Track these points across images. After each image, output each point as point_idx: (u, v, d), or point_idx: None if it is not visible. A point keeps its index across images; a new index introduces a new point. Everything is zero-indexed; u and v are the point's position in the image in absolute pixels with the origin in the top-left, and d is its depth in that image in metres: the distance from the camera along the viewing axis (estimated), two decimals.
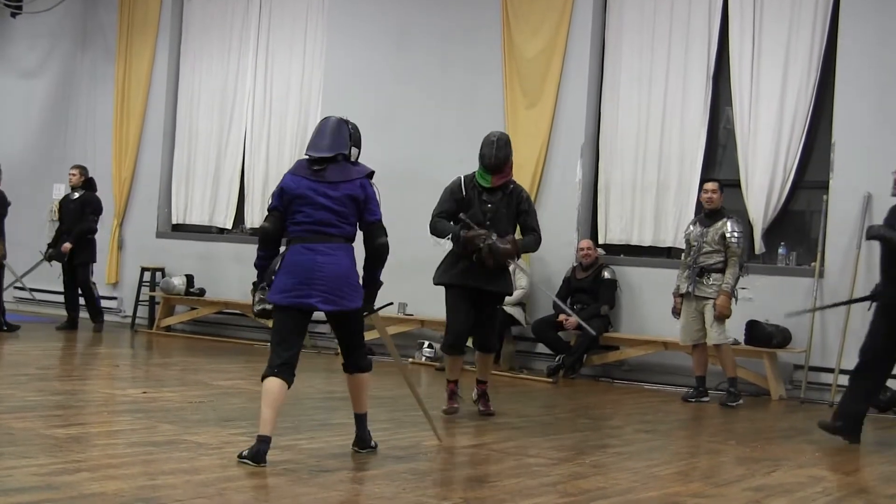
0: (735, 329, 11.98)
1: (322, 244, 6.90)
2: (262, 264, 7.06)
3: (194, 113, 16.81)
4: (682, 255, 11.71)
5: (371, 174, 7.13)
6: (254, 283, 7.09)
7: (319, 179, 6.95)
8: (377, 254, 7.07)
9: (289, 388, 6.80)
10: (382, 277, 7.20)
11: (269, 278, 6.94)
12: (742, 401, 11.14)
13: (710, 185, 11.52)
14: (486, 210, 9.20)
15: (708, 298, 11.18)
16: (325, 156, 6.99)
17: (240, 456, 6.64)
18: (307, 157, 7.08)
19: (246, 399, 9.46)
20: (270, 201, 7.12)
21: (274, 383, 6.72)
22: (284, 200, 6.99)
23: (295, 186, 6.97)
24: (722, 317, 11.16)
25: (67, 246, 14.83)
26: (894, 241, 8.80)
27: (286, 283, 6.84)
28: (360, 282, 7.06)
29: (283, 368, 6.76)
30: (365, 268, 7.13)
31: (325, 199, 6.92)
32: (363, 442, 7.19)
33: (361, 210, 7.02)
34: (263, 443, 6.61)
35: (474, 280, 9.11)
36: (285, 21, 15.99)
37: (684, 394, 11.44)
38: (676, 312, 11.51)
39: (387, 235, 7.13)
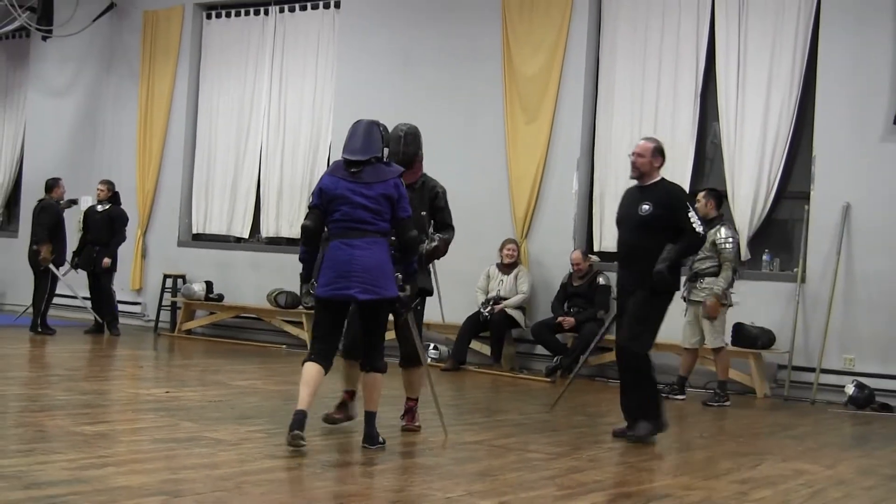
0: None
1: (359, 239, 7.05)
2: (306, 258, 7.25)
3: (213, 129, 16.82)
4: None
5: (402, 174, 7.28)
6: (300, 276, 7.31)
7: (356, 180, 7.10)
8: (408, 245, 7.22)
9: (325, 373, 7.05)
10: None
11: (316, 273, 7.14)
12: (729, 403, 11.06)
13: (698, 196, 11.49)
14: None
15: (701, 303, 11.17)
16: (360, 159, 7.10)
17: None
18: (343, 158, 7.20)
19: (262, 398, 9.47)
20: (311, 199, 7.31)
21: (311, 367, 7.02)
22: (324, 199, 7.14)
23: (333, 187, 7.13)
24: (708, 318, 11.13)
25: (108, 261, 14.89)
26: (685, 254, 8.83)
27: (327, 277, 7.04)
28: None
29: (321, 355, 7.05)
30: (400, 259, 7.23)
31: (361, 199, 7.06)
32: (371, 439, 7.17)
33: (395, 207, 7.13)
34: (297, 413, 6.86)
35: None
36: (299, 42, 16.01)
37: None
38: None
39: (415, 230, 7.31)
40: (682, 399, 11.19)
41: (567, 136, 13.54)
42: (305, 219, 7.31)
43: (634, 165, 8.53)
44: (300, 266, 7.31)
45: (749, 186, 12.43)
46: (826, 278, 11.86)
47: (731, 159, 12.58)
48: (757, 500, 6.24)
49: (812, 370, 11.77)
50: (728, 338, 11.93)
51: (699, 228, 8.30)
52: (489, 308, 13.07)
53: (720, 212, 11.41)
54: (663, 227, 8.26)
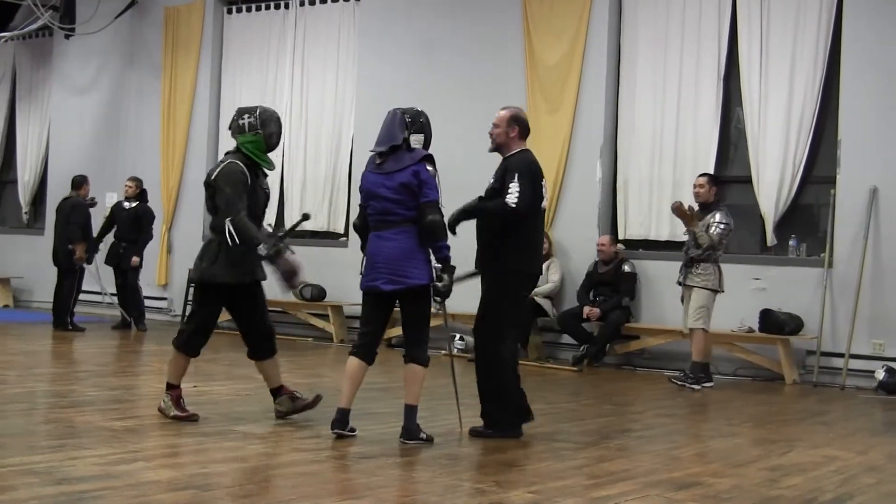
0: (749, 318, 11.97)
1: (387, 231, 7.12)
2: (364, 252, 7.32)
3: None
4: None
5: (427, 158, 7.20)
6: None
7: (380, 172, 7.18)
8: (428, 230, 7.04)
9: (368, 366, 7.13)
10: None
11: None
12: (700, 388, 10.92)
13: (698, 180, 11.43)
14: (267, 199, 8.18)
15: (695, 287, 11.11)
16: (381, 150, 7.19)
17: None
18: (374, 151, 7.30)
19: None
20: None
21: (353, 362, 7.12)
22: (363, 196, 7.31)
23: (365, 182, 7.29)
24: (673, 210, 11.14)
25: (136, 260, 15.00)
26: (481, 212, 7.79)
27: (365, 270, 7.18)
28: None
29: (362, 349, 7.13)
30: (424, 245, 7.12)
31: (384, 190, 7.12)
32: (409, 433, 7.07)
33: (417, 193, 7.07)
34: (339, 412, 7.05)
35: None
36: (319, 35, 16.03)
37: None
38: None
39: (441, 214, 7.12)
40: (711, 386, 11.12)
41: (590, 123, 13.50)
42: (357, 217, 7.45)
43: (490, 136, 7.94)
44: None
45: (774, 171, 12.37)
46: (853, 263, 11.79)
47: (756, 144, 12.53)
48: (787, 487, 6.20)
49: (841, 355, 11.71)
50: (755, 324, 11.91)
51: (513, 202, 7.40)
52: None
53: (718, 198, 11.37)
54: None
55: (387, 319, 7.36)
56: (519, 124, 7.88)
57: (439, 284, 7.11)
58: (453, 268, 7.18)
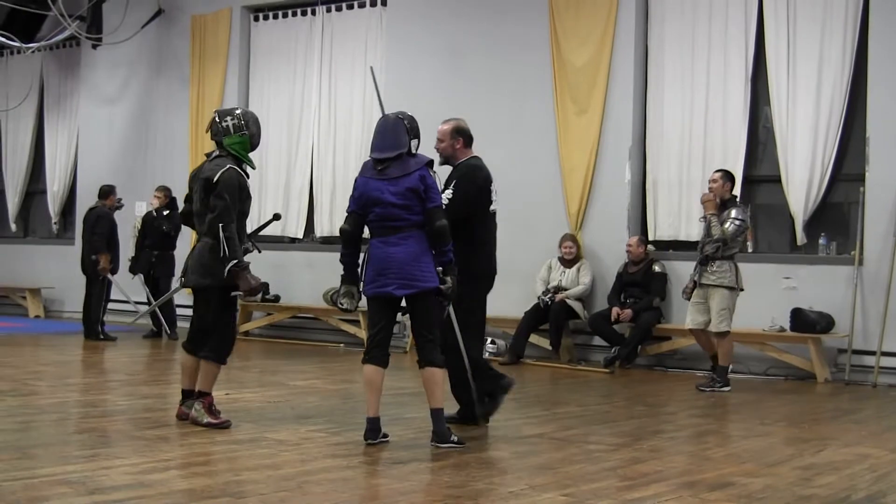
0: (780, 317, 11.92)
1: (393, 236, 7.13)
2: (346, 260, 7.36)
3: (264, 130, 16.45)
4: None
5: (430, 163, 7.28)
6: (342, 277, 7.40)
7: (383, 178, 7.17)
8: (437, 235, 7.14)
9: (384, 368, 7.16)
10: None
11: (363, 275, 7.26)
12: (728, 388, 10.84)
13: (712, 175, 11.31)
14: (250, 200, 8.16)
15: (711, 286, 10.97)
16: (388, 156, 7.18)
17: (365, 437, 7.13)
18: (371, 158, 7.27)
19: (321, 397, 9.52)
20: (349, 204, 7.37)
21: (369, 370, 7.15)
22: (360, 202, 7.24)
23: (365, 188, 7.24)
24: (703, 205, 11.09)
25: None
26: None
27: (370, 276, 7.19)
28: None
29: (376, 353, 7.16)
30: (432, 248, 7.19)
31: (390, 196, 7.12)
32: (441, 437, 7.08)
33: (423, 198, 7.12)
34: (370, 422, 7.10)
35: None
36: (347, 41, 16.05)
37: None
38: (687, 293, 11.36)
39: (446, 219, 7.18)
40: (728, 391, 10.95)
41: (618, 125, 13.48)
42: (344, 223, 7.36)
43: (437, 151, 8.09)
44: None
45: (803, 170, 12.32)
46: (884, 260, 11.73)
47: (784, 143, 12.48)
48: (821, 485, 6.18)
49: (873, 353, 11.65)
50: (787, 323, 11.86)
51: (443, 203, 7.39)
52: (549, 295, 13.03)
53: (734, 195, 11.25)
54: None
55: (394, 321, 7.39)
56: (462, 135, 8.15)
57: (443, 287, 7.17)
58: (455, 270, 7.24)
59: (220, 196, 7.55)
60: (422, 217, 7.14)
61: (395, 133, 7.25)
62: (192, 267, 7.78)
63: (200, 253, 7.71)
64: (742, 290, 11.06)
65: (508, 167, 14.02)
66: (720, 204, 11.08)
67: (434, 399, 7.15)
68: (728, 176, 11.29)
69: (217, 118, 7.86)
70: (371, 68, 9.57)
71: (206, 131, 8.01)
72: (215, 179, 7.59)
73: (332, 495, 5.61)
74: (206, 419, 7.63)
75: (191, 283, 7.80)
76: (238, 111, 7.96)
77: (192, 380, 7.90)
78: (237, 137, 7.82)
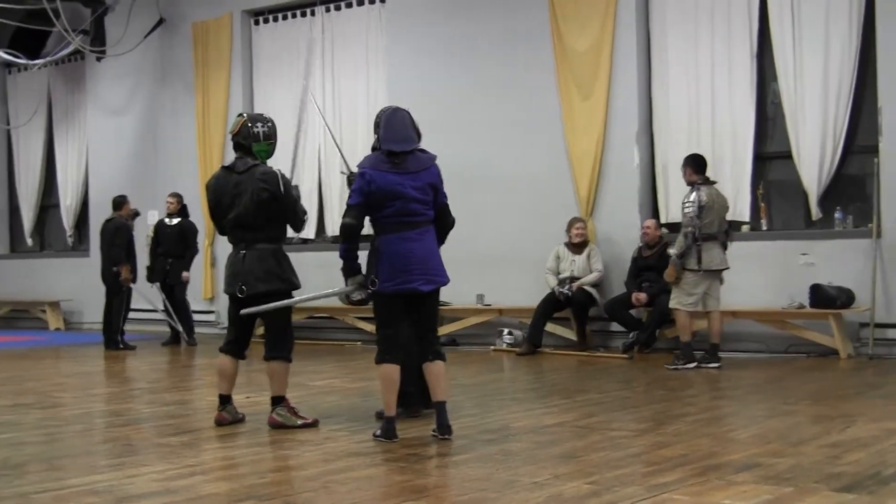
0: (799, 294, 11.86)
1: (412, 231, 7.07)
2: (350, 255, 7.25)
3: None
4: None
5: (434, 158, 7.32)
6: (343, 272, 7.29)
7: (402, 171, 7.07)
8: (447, 230, 7.37)
9: (401, 366, 7.09)
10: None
11: (374, 270, 7.11)
12: (692, 365, 10.99)
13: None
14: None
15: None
16: (405, 149, 7.11)
17: (374, 435, 7.07)
18: (385, 150, 7.11)
19: (341, 396, 9.51)
20: (351, 198, 7.17)
21: (389, 369, 7.06)
22: (374, 196, 7.03)
23: (382, 181, 7.03)
24: (668, 282, 11.24)
25: (187, 275, 15.20)
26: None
27: (387, 273, 7.04)
28: None
29: (391, 350, 7.08)
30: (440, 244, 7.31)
31: (412, 191, 7.06)
32: (446, 429, 7.10)
33: (437, 193, 7.16)
34: (389, 422, 7.04)
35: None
36: (348, 40, 16.05)
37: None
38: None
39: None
40: (718, 366, 11.07)
41: (624, 109, 13.43)
42: (345, 216, 7.20)
43: None
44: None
45: (814, 144, 12.26)
46: None
47: (794, 118, 12.42)
48: (849, 462, 6.13)
49: (895, 326, 11.58)
50: (806, 300, 11.81)
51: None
52: (567, 287, 12.98)
53: (703, 176, 11.15)
54: None
55: (406, 320, 7.30)
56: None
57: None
58: None
59: (290, 198, 7.76)
60: (433, 212, 7.15)
61: (407, 126, 7.22)
62: (252, 274, 7.73)
63: (261, 259, 7.74)
64: (699, 270, 11.03)
65: (515, 157, 14.06)
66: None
67: (441, 392, 7.16)
68: (689, 160, 11.28)
69: (248, 122, 7.86)
70: (310, 91, 9.24)
71: (231, 133, 7.96)
72: (282, 186, 7.70)
73: (357, 493, 5.60)
74: (299, 421, 7.73)
75: (259, 290, 7.73)
76: (268, 120, 7.99)
77: (231, 384, 7.97)
78: (265, 145, 7.88)
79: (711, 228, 11.03)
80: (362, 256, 7.25)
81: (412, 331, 7.29)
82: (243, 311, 7.75)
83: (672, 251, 11.17)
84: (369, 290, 7.16)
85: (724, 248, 11.20)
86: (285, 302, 7.77)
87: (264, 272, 7.73)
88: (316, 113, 16.16)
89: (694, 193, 10.99)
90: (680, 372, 10.86)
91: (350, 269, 7.27)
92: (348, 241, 7.20)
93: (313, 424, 7.75)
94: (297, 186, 8.08)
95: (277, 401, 7.82)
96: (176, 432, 7.76)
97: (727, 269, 11.22)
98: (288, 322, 7.99)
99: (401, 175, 7.04)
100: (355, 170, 7.35)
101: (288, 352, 7.91)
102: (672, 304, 11.28)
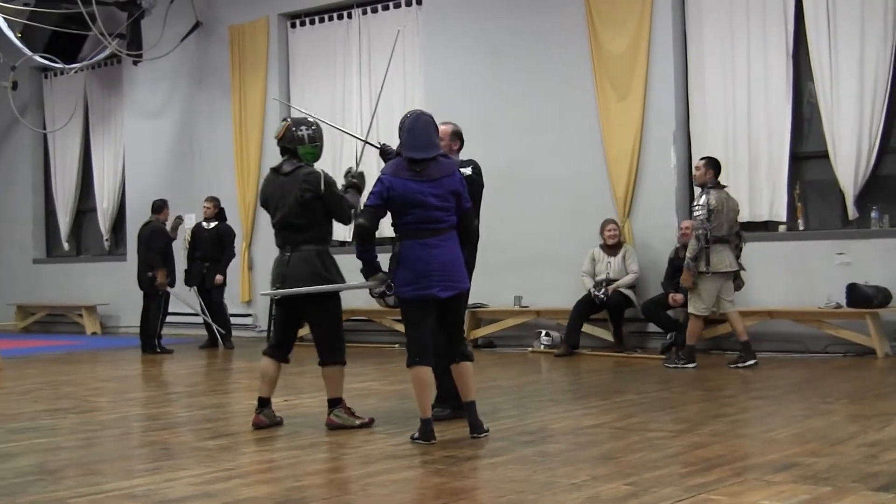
0: (836, 293, 11.80)
1: (433, 238, 7.10)
2: (367, 257, 7.30)
3: None
4: None
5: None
6: (363, 273, 7.38)
7: (423, 179, 7.08)
8: (472, 235, 7.44)
9: (433, 368, 7.15)
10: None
11: (393, 276, 7.17)
12: (690, 366, 11.10)
13: (697, 163, 11.50)
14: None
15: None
16: (427, 156, 7.12)
17: (412, 438, 7.09)
18: (406, 157, 7.14)
19: (379, 399, 9.53)
20: (369, 199, 7.21)
21: (417, 371, 7.11)
22: (394, 203, 7.10)
23: (402, 189, 7.07)
24: (685, 288, 11.27)
25: (220, 278, 15.28)
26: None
27: (408, 278, 7.11)
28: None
29: (420, 353, 7.12)
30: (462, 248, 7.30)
31: (432, 199, 7.07)
32: (478, 428, 7.20)
33: (460, 199, 7.17)
34: (426, 423, 7.07)
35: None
36: (384, 42, 16.06)
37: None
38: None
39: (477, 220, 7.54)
40: (754, 363, 11.17)
41: (660, 109, 13.41)
42: (359, 217, 7.27)
43: None
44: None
45: (850, 144, 12.20)
46: None
47: (830, 118, 12.37)
48: (888, 462, 6.10)
49: None
50: (843, 299, 11.75)
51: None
52: (603, 290, 12.96)
53: (715, 180, 11.18)
54: None
55: (433, 321, 7.33)
56: (459, 139, 8.23)
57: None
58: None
59: (335, 197, 7.83)
60: (456, 218, 7.17)
61: (429, 132, 7.25)
62: (299, 276, 7.80)
63: (308, 261, 7.81)
64: (711, 273, 11.05)
65: (552, 159, 14.05)
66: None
67: (469, 392, 7.25)
68: (712, 163, 11.28)
69: (293, 126, 7.98)
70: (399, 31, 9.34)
71: (277, 138, 8.11)
72: (323, 184, 7.76)
73: (395, 496, 5.63)
74: (357, 421, 7.82)
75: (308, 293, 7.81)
76: (313, 123, 8.10)
77: (272, 387, 8.02)
78: (310, 147, 7.98)
79: (721, 231, 11.03)
80: (384, 260, 7.32)
81: (441, 334, 7.34)
82: (262, 293, 7.87)
83: (686, 255, 11.17)
84: (391, 283, 7.19)
85: (739, 251, 11.22)
86: (303, 290, 7.76)
87: (311, 274, 7.78)
88: (353, 114, 16.24)
89: (703, 197, 11.02)
90: (679, 371, 10.97)
91: (370, 267, 7.31)
92: (366, 242, 7.27)
93: (370, 424, 7.83)
94: (361, 173, 8.17)
95: (334, 403, 7.89)
96: (213, 436, 7.81)
97: (737, 271, 11.20)
98: (338, 324, 8.07)
99: (421, 183, 7.06)
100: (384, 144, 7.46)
101: (341, 355, 7.98)
102: (689, 308, 11.35)
